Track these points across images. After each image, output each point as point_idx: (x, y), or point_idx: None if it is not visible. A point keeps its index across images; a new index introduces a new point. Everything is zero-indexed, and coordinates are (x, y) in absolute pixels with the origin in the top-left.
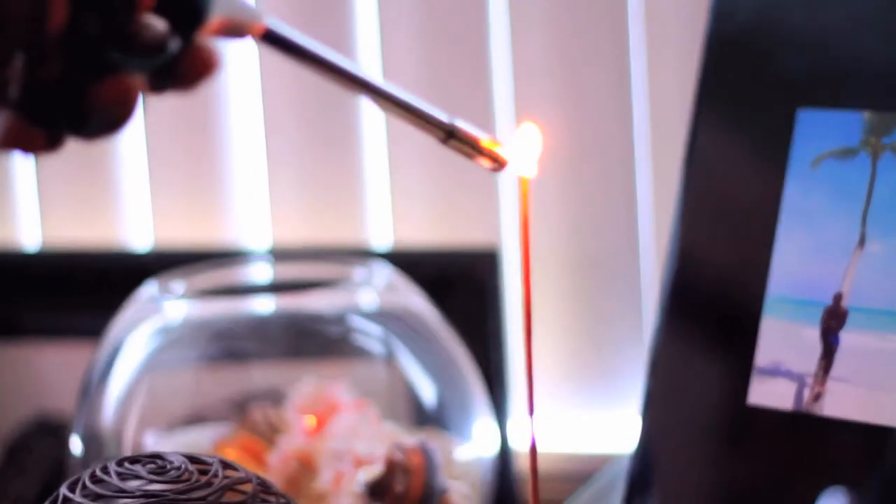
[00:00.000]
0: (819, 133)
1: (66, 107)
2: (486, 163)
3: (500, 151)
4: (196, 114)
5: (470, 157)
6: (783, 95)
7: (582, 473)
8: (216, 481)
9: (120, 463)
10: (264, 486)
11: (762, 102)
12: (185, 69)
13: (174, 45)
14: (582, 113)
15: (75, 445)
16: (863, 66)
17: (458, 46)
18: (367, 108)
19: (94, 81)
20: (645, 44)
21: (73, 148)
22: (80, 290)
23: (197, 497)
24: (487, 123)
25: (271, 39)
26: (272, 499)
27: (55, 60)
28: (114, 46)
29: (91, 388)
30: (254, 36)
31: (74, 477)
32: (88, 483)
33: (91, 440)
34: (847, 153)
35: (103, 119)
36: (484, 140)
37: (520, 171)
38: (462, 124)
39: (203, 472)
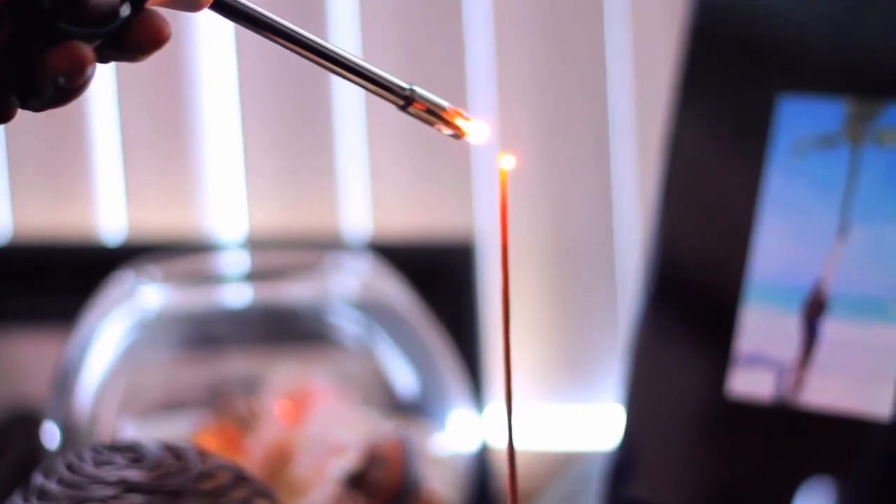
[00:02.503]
0: (800, 119)
1: (16, 77)
2: (447, 131)
3: (462, 119)
4: (171, 103)
5: (431, 124)
6: (764, 82)
7: (556, 467)
8: (192, 469)
9: (96, 450)
10: (240, 474)
11: (743, 89)
12: (135, 39)
13: (124, 13)
14: (558, 100)
15: (51, 434)
16: (843, 52)
17: (434, 32)
18: (345, 98)
19: (44, 51)
20: (625, 31)
21: (47, 136)
22: (53, 280)
23: (173, 484)
24: (465, 110)
25: (222, 7)
26: (248, 486)
27: (2, 29)
28: (62, 15)
29: (66, 377)
30: (204, 4)
31: (49, 464)
32: (63, 470)
33: (67, 428)
34: (828, 139)
35: (54, 89)
36: (445, 107)
37: (499, 162)
38: (422, 91)
39: (179, 460)
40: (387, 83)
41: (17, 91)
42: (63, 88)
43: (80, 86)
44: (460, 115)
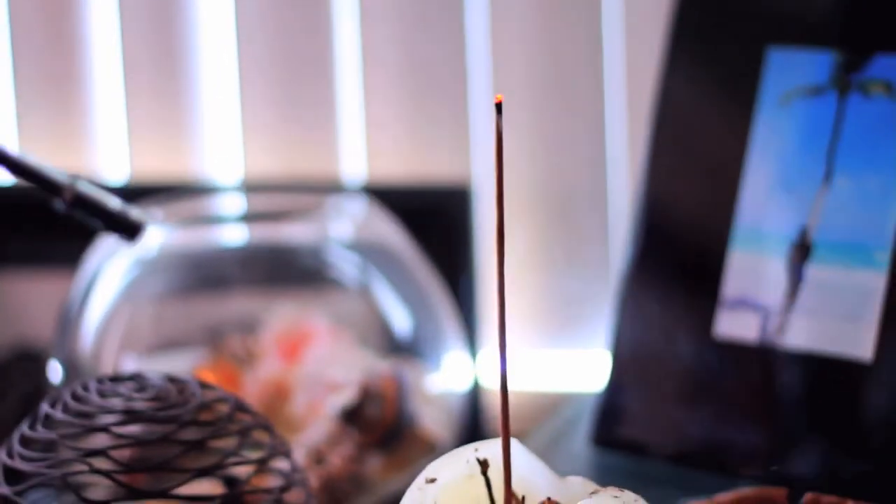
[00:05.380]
0: (788, 71)
1: None
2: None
3: (129, 216)
4: (171, 48)
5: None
6: (753, 33)
7: (547, 408)
8: (193, 399)
9: (100, 381)
10: (240, 406)
11: (733, 40)
12: None
13: None
14: (553, 49)
15: (54, 371)
16: (831, 4)
17: None
18: (343, 42)
19: None
20: None
21: (49, 81)
22: (57, 221)
23: (174, 414)
24: (461, 57)
25: None
26: (248, 417)
27: None
28: None
29: (70, 316)
30: None
31: (55, 394)
32: (69, 399)
33: (70, 366)
34: (815, 90)
35: None
36: (111, 203)
37: (495, 104)
38: (85, 185)
39: (181, 391)
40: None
41: None
42: None
43: None
44: (128, 212)
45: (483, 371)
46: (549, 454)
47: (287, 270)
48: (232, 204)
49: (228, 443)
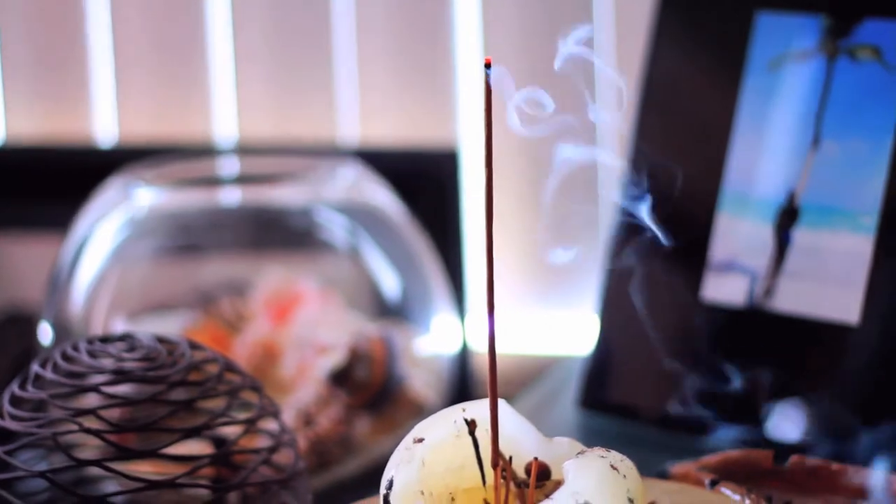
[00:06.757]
0: (777, 35)
1: None
2: None
3: None
4: (166, 8)
5: None
6: None
7: (535, 370)
8: (183, 360)
9: (90, 342)
10: (229, 366)
11: (722, 5)
12: None
13: None
14: (542, 13)
15: (45, 334)
16: None
17: None
18: (336, 8)
19: None
20: None
21: (41, 40)
22: (48, 183)
23: (164, 374)
24: (451, 21)
25: None
26: (237, 378)
27: None
28: None
29: (60, 278)
30: None
31: (46, 354)
32: (59, 360)
33: (60, 328)
34: (804, 55)
35: None
36: None
37: (483, 69)
38: None
39: (171, 353)
40: None
41: None
42: None
43: None
44: None
45: (471, 333)
46: (536, 417)
47: (277, 233)
48: (223, 166)
49: (217, 403)
